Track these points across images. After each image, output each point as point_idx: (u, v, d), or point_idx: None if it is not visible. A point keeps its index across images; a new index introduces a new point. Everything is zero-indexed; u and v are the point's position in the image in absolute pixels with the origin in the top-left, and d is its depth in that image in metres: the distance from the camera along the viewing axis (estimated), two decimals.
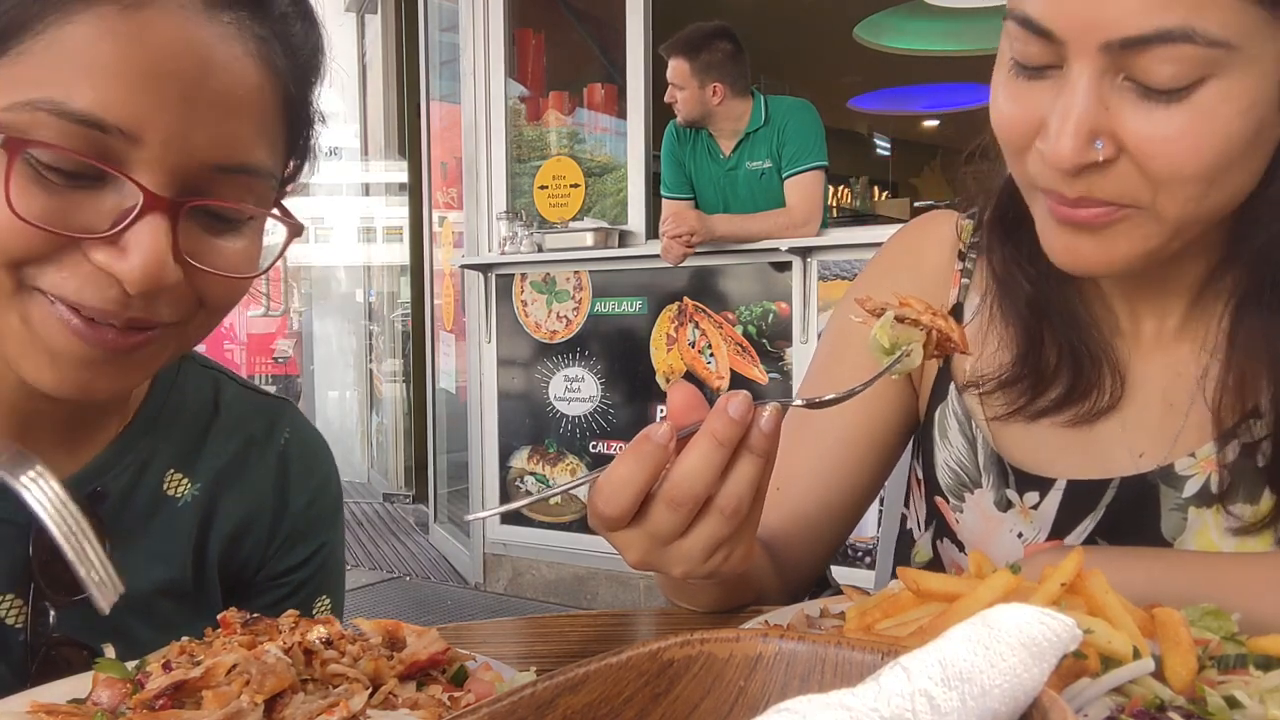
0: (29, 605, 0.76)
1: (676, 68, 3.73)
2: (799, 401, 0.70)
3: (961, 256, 0.99)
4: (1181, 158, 0.70)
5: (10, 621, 0.76)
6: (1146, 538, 0.87)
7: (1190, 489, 0.86)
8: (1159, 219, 0.74)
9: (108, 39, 0.62)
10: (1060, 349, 0.89)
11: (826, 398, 0.69)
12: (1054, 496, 0.90)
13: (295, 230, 0.74)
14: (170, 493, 0.87)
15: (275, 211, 0.74)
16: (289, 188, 0.79)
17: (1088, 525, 0.89)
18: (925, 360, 0.71)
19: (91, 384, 0.69)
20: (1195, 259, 0.85)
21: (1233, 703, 0.52)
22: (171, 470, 0.87)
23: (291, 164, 0.77)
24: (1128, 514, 0.88)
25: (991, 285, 0.94)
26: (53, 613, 0.77)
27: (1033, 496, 0.92)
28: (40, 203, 0.63)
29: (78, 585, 0.77)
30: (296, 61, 0.71)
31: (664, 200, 3.91)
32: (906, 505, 1.10)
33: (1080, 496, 0.89)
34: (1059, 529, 0.90)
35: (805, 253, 3.62)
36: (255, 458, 0.92)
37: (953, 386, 0.97)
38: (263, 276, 0.76)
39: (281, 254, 0.77)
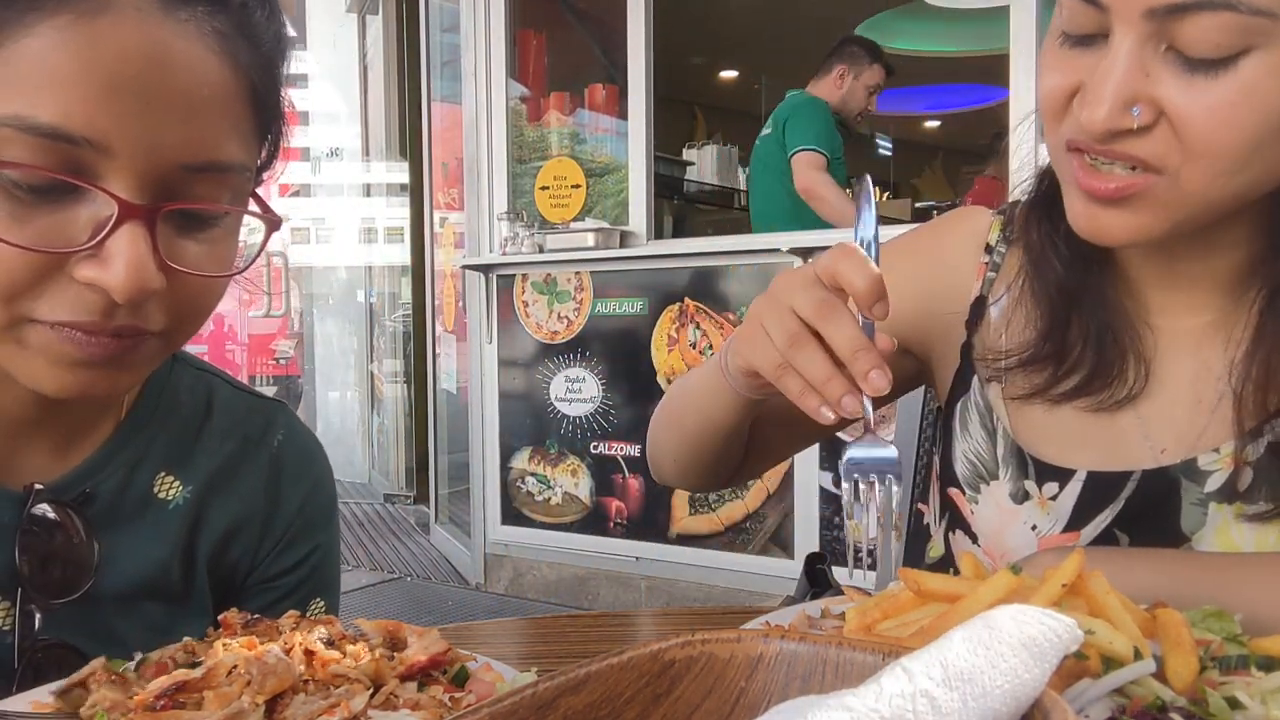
0: (15, 608, 0.76)
1: None
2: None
3: (989, 250, 0.99)
4: (1219, 129, 0.71)
5: None
6: (1165, 532, 0.86)
7: (1212, 484, 0.85)
8: (1181, 191, 0.74)
9: (67, 49, 0.61)
10: (1086, 333, 0.89)
11: None
12: (1073, 487, 0.89)
13: (273, 224, 0.74)
14: (160, 495, 0.86)
15: (253, 207, 0.73)
16: (265, 176, 0.79)
17: (1106, 517, 0.88)
18: None
19: (90, 385, 0.69)
20: (1232, 251, 0.85)
21: (1234, 704, 0.52)
22: (163, 473, 0.87)
23: (264, 154, 0.77)
24: (1147, 507, 0.87)
25: (1025, 266, 0.94)
26: (39, 616, 0.76)
27: (1052, 488, 0.91)
28: (16, 223, 0.62)
29: (64, 588, 0.78)
30: (260, 51, 0.71)
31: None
32: (924, 501, 1.09)
33: (1100, 488, 0.88)
34: (1076, 520, 0.89)
35: (805, 253, 3.62)
36: (248, 460, 0.92)
37: (975, 379, 0.97)
38: (255, 276, 0.76)
39: (262, 249, 0.77)
